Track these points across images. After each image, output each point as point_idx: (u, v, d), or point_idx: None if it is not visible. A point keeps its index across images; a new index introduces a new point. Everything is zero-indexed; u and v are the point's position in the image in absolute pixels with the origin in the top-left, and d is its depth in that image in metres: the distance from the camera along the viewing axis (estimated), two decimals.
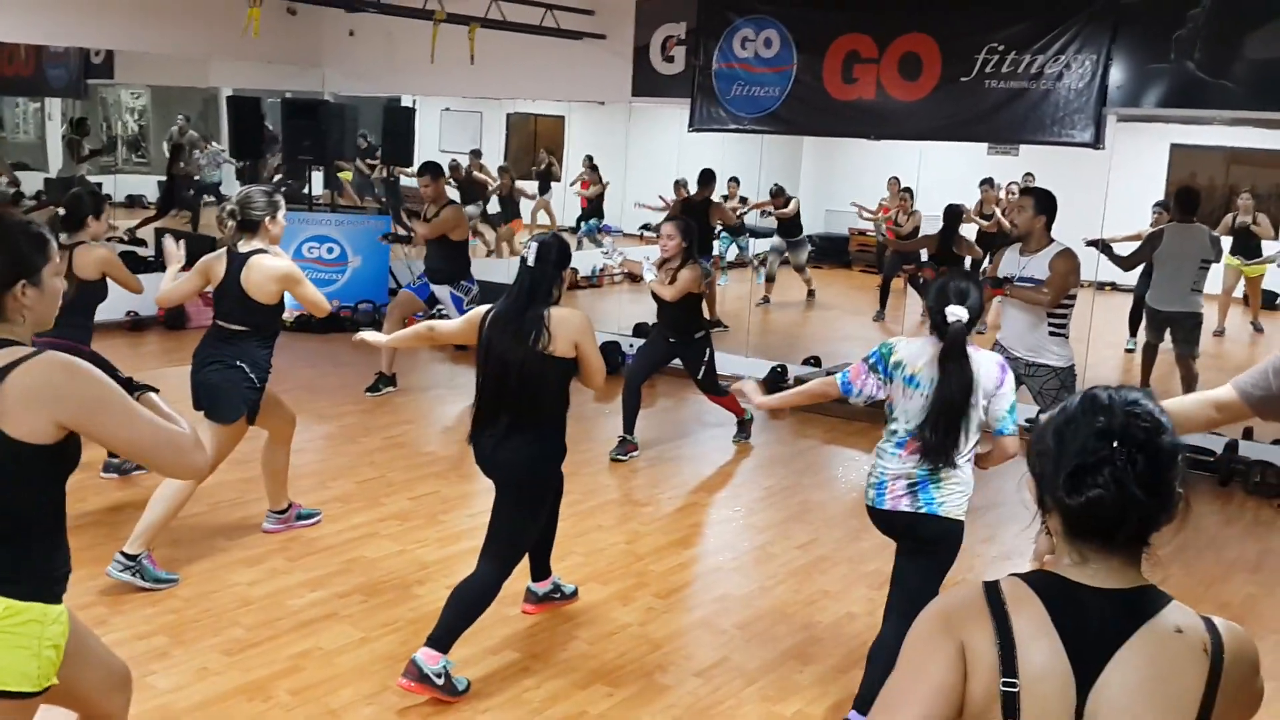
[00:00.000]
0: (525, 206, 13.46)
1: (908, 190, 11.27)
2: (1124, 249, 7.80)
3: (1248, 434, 7.06)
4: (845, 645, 4.40)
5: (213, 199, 11.86)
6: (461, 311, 7.47)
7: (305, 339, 9.32)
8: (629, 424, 6.75)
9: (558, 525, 4.53)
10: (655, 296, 6.60)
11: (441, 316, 7.61)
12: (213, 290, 4.84)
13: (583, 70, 9.19)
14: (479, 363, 3.89)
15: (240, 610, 4.39)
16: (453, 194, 10.11)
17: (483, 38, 8.24)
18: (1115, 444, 1.52)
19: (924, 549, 3.57)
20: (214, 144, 12.50)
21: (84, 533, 4.75)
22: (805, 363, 8.81)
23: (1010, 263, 5.68)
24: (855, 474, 6.57)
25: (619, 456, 6.64)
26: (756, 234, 12.95)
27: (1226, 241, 10.03)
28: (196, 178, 12.38)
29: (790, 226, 11.81)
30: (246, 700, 3.74)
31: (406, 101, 11.09)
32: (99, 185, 11.44)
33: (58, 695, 2.39)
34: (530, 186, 13.59)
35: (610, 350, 8.63)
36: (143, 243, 11.32)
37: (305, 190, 10.92)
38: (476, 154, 13.28)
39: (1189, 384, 7.55)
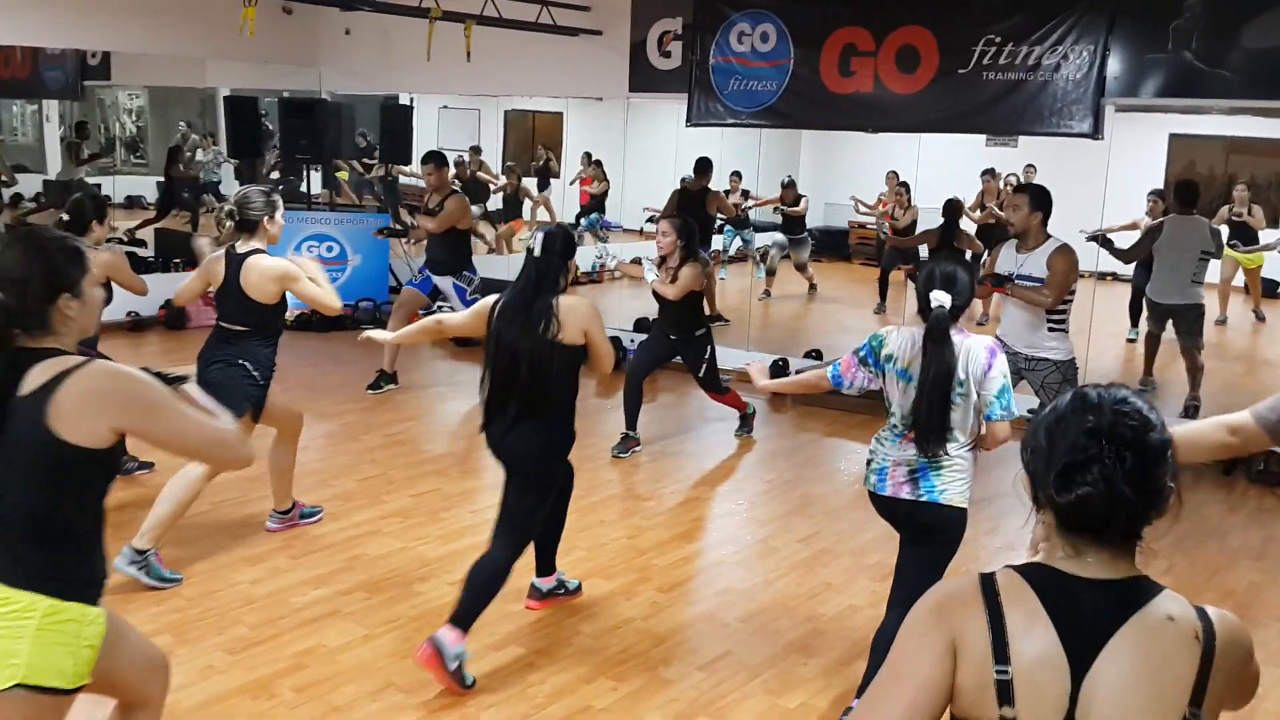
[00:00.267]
0: (527, 205, 13.45)
1: (904, 184, 11.27)
2: (1121, 238, 7.80)
3: None
4: (848, 638, 4.41)
5: (211, 198, 11.87)
6: (465, 301, 7.48)
7: (306, 338, 9.33)
8: (631, 420, 6.75)
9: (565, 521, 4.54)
10: (656, 295, 6.61)
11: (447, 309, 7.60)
12: (214, 291, 4.85)
13: (579, 66, 9.18)
14: (487, 353, 3.91)
15: (243, 609, 4.40)
16: None
17: (479, 35, 8.23)
18: (1104, 442, 1.56)
19: (925, 537, 3.57)
20: (214, 146, 12.53)
21: None
22: (807, 355, 8.80)
23: (1008, 259, 5.65)
24: (857, 467, 6.53)
25: (621, 454, 6.64)
26: (759, 228, 12.95)
27: (1224, 233, 10.01)
28: (199, 177, 12.38)
29: (794, 224, 11.82)
30: (250, 698, 3.75)
31: (404, 99, 11.08)
32: (98, 186, 11.45)
33: (98, 685, 2.46)
34: (531, 185, 13.58)
35: (611, 346, 8.60)
36: (142, 243, 11.32)
37: (303, 189, 10.93)
38: (477, 150, 13.23)
39: (1194, 374, 7.55)
